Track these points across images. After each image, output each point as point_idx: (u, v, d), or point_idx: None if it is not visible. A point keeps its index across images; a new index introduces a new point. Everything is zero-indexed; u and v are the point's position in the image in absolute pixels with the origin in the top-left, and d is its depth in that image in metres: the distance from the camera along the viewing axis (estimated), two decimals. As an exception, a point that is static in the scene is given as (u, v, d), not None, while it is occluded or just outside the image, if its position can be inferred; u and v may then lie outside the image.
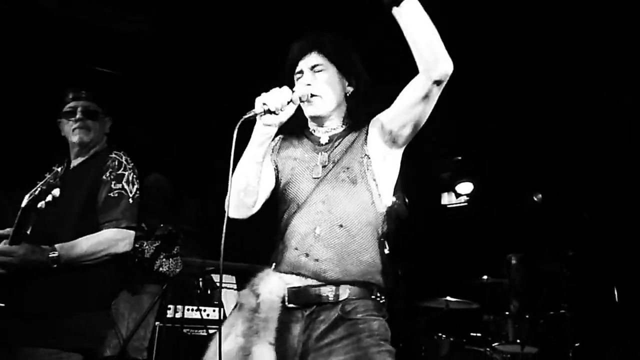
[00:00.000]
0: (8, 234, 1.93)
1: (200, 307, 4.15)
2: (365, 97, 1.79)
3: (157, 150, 4.72)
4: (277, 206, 1.76)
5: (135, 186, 2.25)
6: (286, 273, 1.59)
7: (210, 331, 4.08)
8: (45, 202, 1.83)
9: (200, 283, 4.33)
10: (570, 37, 3.62)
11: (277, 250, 1.67)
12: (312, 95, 1.72)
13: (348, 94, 1.81)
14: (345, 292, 1.56)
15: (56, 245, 1.95)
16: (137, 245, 3.84)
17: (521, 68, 4.11)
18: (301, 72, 1.78)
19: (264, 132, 1.61)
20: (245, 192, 1.66)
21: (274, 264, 1.65)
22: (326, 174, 1.68)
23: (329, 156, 1.72)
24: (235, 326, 1.54)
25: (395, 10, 1.52)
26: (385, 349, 1.52)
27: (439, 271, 5.57)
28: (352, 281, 1.57)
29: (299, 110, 1.75)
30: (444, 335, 4.44)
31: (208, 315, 4.17)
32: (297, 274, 1.58)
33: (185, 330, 4.01)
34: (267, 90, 1.59)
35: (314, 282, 1.56)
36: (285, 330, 1.53)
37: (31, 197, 1.85)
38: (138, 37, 3.63)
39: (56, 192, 1.83)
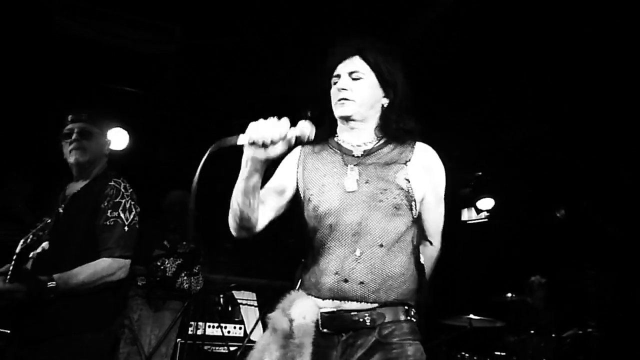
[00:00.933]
0: (7, 270, 1.99)
1: (222, 324, 4.15)
2: (401, 110, 1.73)
3: (182, 167, 4.77)
4: (307, 224, 1.66)
5: (133, 213, 2.28)
6: (323, 298, 1.54)
7: (232, 348, 4.08)
8: (37, 254, 1.91)
9: (221, 300, 4.33)
10: (591, 47, 3.58)
11: (309, 271, 1.61)
12: (344, 100, 1.66)
13: (384, 106, 1.74)
14: (381, 316, 1.52)
15: (54, 276, 2.02)
16: (158, 263, 3.87)
17: (541, 79, 4.06)
18: (338, 76, 1.70)
19: (252, 164, 1.48)
20: (240, 219, 1.58)
21: (305, 286, 1.60)
22: (361, 191, 1.60)
23: (361, 171, 1.64)
24: (269, 352, 1.50)
25: None
26: None
27: (462, 289, 5.49)
28: (390, 302, 1.54)
29: (329, 115, 1.71)
30: (467, 354, 4.35)
31: (229, 332, 4.18)
32: (337, 299, 1.53)
33: (206, 347, 4.01)
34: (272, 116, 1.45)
35: (353, 304, 1.52)
36: (321, 355, 1.50)
37: (24, 246, 1.92)
38: (162, 57, 3.70)
39: (46, 245, 1.90)
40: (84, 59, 3.77)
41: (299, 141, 1.47)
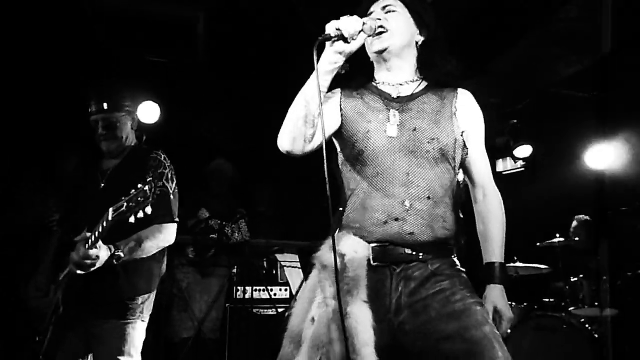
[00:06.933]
0: (85, 238, 2.06)
1: (268, 287, 4.21)
2: (438, 49, 1.70)
3: (228, 136, 4.83)
4: (349, 170, 1.66)
5: (174, 182, 2.41)
6: (370, 242, 1.54)
7: (280, 310, 4.14)
8: (136, 218, 1.95)
9: (265, 263, 4.39)
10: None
11: (352, 217, 1.60)
12: (380, 30, 1.64)
13: (419, 43, 1.72)
14: (431, 251, 1.56)
15: (119, 244, 2.14)
16: (203, 226, 3.96)
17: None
18: (371, 13, 1.70)
19: (332, 59, 1.53)
20: (305, 121, 1.54)
21: (349, 226, 1.59)
22: (408, 138, 1.59)
23: (406, 117, 1.62)
24: (323, 288, 1.50)
25: None
26: (478, 301, 1.54)
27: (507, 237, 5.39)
28: (438, 242, 1.57)
29: (364, 56, 1.68)
30: (513, 303, 4.31)
31: (275, 294, 4.24)
32: (385, 241, 1.54)
33: (255, 311, 4.08)
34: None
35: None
36: (376, 288, 1.52)
37: (119, 212, 1.95)
38: (191, 23, 3.64)
39: (148, 210, 1.93)
40: (112, 31, 3.73)
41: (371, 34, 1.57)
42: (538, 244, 4.60)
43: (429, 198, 1.56)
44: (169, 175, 2.39)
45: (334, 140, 1.74)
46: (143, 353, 2.32)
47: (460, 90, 1.70)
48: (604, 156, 4.91)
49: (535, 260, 4.46)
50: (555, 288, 4.43)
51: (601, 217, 4.62)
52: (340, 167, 1.71)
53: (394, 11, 1.68)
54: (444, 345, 1.45)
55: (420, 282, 1.53)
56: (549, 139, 5.69)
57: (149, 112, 4.39)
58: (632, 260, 4.25)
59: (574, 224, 4.80)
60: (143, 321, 2.30)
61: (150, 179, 2.22)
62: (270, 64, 4.36)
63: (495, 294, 1.61)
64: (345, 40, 1.49)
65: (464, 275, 1.59)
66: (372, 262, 1.53)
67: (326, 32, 1.50)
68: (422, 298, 1.51)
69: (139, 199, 1.93)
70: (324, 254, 1.53)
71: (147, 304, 2.32)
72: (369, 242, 1.54)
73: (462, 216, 1.67)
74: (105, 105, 2.41)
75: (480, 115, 1.72)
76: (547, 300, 4.43)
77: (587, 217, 4.79)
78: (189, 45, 3.92)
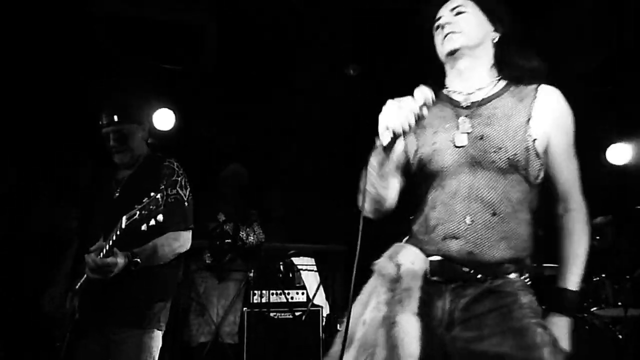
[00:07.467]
0: (101, 246, 2.11)
1: (285, 291, 4.21)
2: (515, 45, 1.57)
3: (229, 142, 4.87)
4: (417, 182, 1.59)
5: (188, 189, 2.43)
6: (429, 254, 1.48)
7: (297, 313, 4.14)
8: (148, 226, 1.98)
9: (282, 267, 4.39)
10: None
11: (418, 229, 1.55)
12: (450, 33, 1.54)
13: (495, 40, 1.58)
14: (492, 272, 1.44)
15: (135, 251, 2.16)
16: (218, 230, 4.00)
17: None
18: (440, 17, 1.58)
19: (385, 156, 1.45)
20: (378, 202, 1.55)
21: (412, 242, 1.55)
22: (473, 147, 1.47)
23: (475, 124, 1.49)
24: (377, 294, 1.48)
25: None
26: (540, 322, 1.39)
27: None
28: (504, 262, 1.44)
29: (436, 67, 1.60)
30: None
31: (292, 298, 4.24)
32: (443, 256, 1.47)
33: (272, 314, 4.09)
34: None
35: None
36: (429, 301, 1.45)
37: (132, 220, 1.99)
38: (202, 29, 3.67)
39: (160, 217, 1.97)
40: (121, 38, 3.78)
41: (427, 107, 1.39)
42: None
43: (494, 214, 1.43)
44: (182, 183, 2.41)
45: (407, 152, 1.63)
46: (160, 358, 2.34)
47: (541, 89, 1.52)
48: (625, 153, 4.79)
49: (555, 260, 4.37)
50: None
51: (624, 215, 4.51)
52: (413, 177, 1.63)
53: (463, 12, 1.56)
54: None
55: (475, 297, 1.43)
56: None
57: (164, 119, 4.45)
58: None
59: (598, 224, 4.68)
60: (160, 330, 2.32)
61: (163, 187, 2.27)
62: (281, 71, 4.38)
63: (560, 326, 1.45)
64: (402, 134, 1.37)
65: (528, 295, 1.43)
66: (428, 275, 1.47)
67: (380, 138, 1.39)
68: (475, 315, 1.41)
69: (151, 207, 1.95)
70: (383, 262, 1.51)
71: (163, 312, 2.34)
72: (428, 255, 1.48)
73: (540, 233, 1.54)
74: (116, 117, 2.44)
75: (566, 115, 1.52)
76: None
77: (610, 216, 4.67)
78: (202, 53, 3.95)
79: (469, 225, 1.43)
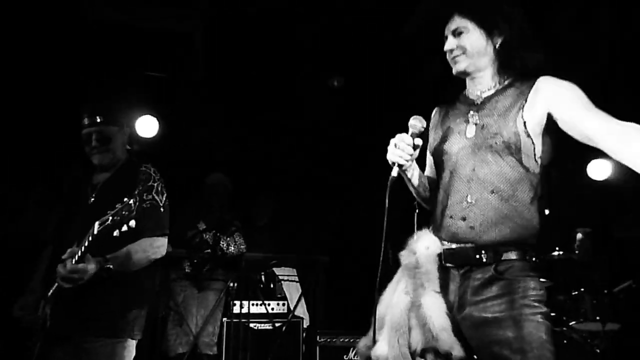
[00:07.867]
0: (73, 253, 2.08)
1: (265, 302, 4.18)
2: (520, 46, 1.68)
3: (223, 149, 4.85)
4: (437, 169, 1.79)
5: (165, 195, 2.41)
6: (444, 240, 1.64)
7: (277, 324, 4.10)
8: (121, 232, 1.97)
9: (263, 277, 4.36)
10: None
11: (433, 216, 1.74)
12: (454, 57, 1.73)
13: (497, 45, 1.71)
14: (499, 253, 1.56)
15: (108, 257, 2.14)
16: (197, 240, 3.97)
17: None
18: (446, 37, 1.77)
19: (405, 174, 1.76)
20: (423, 200, 1.87)
21: (433, 225, 1.72)
22: (477, 136, 1.66)
23: (481, 117, 1.68)
24: (401, 282, 1.65)
25: None
26: (539, 311, 1.50)
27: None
28: (507, 242, 1.57)
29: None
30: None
31: (272, 309, 4.21)
32: (453, 241, 1.62)
33: (252, 325, 4.05)
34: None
35: (468, 246, 1.59)
36: (444, 286, 1.61)
37: (104, 225, 1.97)
38: (188, 37, 3.67)
39: (132, 223, 1.96)
40: (109, 45, 3.77)
41: (422, 133, 1.68)
42: (538, 257, 4.54)
43: (492, 192, 1.58)
44: (159, 188, 2.39)
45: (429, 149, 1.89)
46: (138, 368, 2.30)
47: (540, 79, 1.65)
48: (605, 168, 4.86)
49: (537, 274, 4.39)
50: (555, 301, 4.36)
51: (603, 229, 4.57)
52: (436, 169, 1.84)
53: (462, 32, 1.72)
54: (494, 349, 1.50)
55: (483, 282, 1.56)
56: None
57: (147, 126, 4.41)
58: (634, 271, 4.18)
59: (579, 236, 4.73)
60: (134, 339, 2.27)
61: (137, 192, 2.24)
62: (267, 80, 4.38)
63: None
64: (407, 163, 1.67)
65: (533, 282, 1.54)
66: (443, 262, 1.62)
67: (392, 174, 1.64)
68: (482, 299, 1.55)
69: (124, 212, 1.94)
70: (404, 253, 1.68)
71: (138, 320, 2.29)
72: (442, 240, 1.64)
73: (547, 212, 1.66)
74: (99, 118, 2.41)
75: (565, 86, 1.61)
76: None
77: (590, 229, 4.73)
78: (187, 60, 3.94)
79: (470, 203, 1.60)
